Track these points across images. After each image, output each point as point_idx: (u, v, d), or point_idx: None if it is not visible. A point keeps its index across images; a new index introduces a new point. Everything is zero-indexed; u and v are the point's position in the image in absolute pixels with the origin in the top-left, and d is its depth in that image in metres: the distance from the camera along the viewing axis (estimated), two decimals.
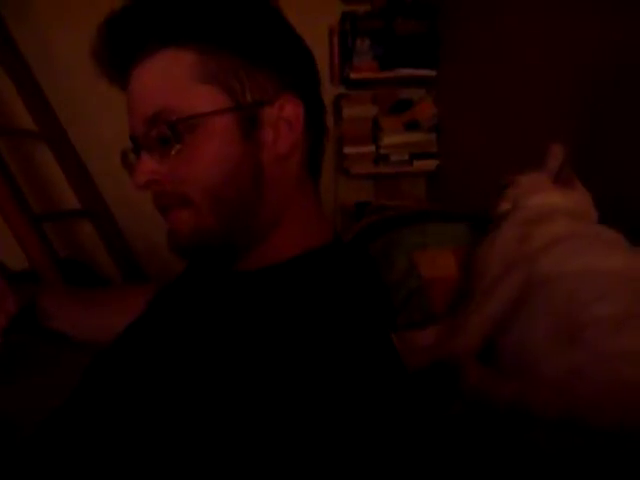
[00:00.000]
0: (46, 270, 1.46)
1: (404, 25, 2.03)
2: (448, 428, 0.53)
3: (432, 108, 2.11)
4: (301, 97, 0.53)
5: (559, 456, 0.43)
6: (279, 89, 0.52)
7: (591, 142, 1.21)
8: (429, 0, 2.04)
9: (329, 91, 2.14)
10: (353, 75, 2.04)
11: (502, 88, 1.66)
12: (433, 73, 2.06)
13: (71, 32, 1.73)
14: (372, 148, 2.12)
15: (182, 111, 0.49)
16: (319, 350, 0.44)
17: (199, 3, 0.50)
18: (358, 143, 2.12)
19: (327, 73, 2.11)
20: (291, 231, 0.56)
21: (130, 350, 0.57)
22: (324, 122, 0.60)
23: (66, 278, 1.48)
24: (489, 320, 0.63)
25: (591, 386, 0.45)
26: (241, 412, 0.41)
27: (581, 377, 0.46)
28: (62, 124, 1.84)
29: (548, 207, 0.69)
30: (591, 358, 0.47)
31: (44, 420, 0.54)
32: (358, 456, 0.40)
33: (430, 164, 2.12)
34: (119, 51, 0.52)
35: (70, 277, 1.59)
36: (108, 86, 0.56)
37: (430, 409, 0.56)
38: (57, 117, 1.83)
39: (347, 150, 2.12)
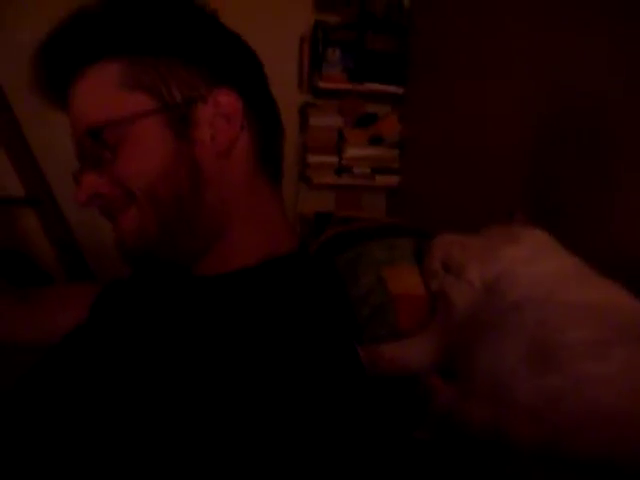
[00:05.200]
0: None
1: (374, 40, 2.05)
2: (416, 452, 0.52)
3: (397, 125, 2.14)
4: (240, 92, 0.52)
5: None
6: (212, 85, 0.51)
7: (551, 164, 1.25)
8: (400, 18, 2.07)
9: (296, 98, 2.12)
10: (322, 84, 2.03)
11: (466, 111, 1.69)
12: (400, 90, 2.09)
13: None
14: (335, 159, 2.12)
15: (107, 121, 0.49)
16: (275, 362, 0.42)
17: (114, 16, 0.50)
18: (322, 153, 2.11)
19: (296, 80, 2.10)
20: (246, 234, 0.54)
21: (72, 361, 0.53)
22: (276, 118, 0.58)
23: (4, 270, 1.38)
24: (445, 334, 0.63)
25: (569, 412, 0.44)
26: (196, 427, 0.39)
27: (558, 403, 0.45)
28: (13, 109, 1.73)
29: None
30: (568, 382, 0.46)
31: None
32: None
33: (392, 180, 2.15)
34: (53, 79, 0.52)
35: (9, 269, 1.48)
36: None
37: (397, 429, 0.54)
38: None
39: (310, 159, 2.11)
